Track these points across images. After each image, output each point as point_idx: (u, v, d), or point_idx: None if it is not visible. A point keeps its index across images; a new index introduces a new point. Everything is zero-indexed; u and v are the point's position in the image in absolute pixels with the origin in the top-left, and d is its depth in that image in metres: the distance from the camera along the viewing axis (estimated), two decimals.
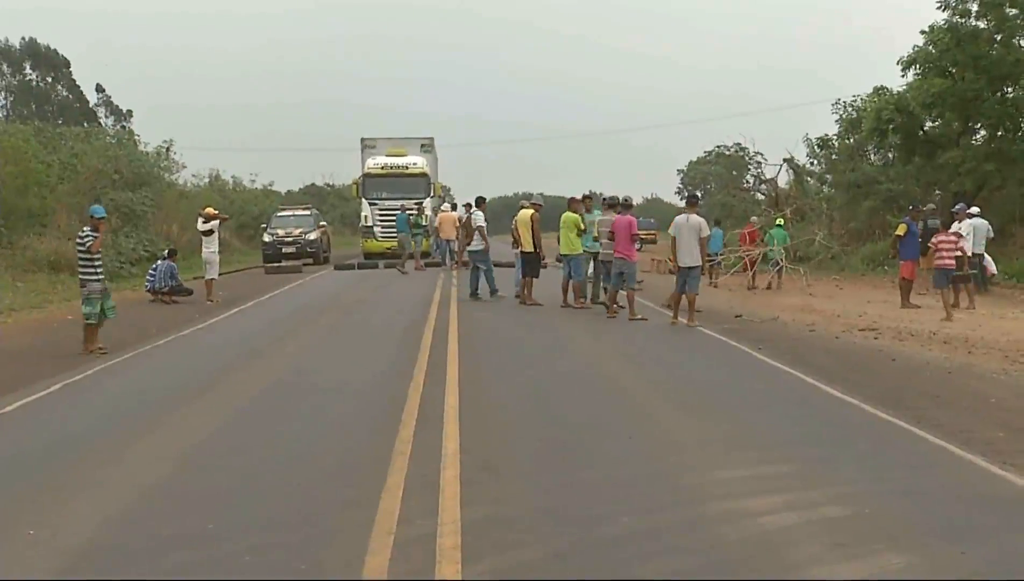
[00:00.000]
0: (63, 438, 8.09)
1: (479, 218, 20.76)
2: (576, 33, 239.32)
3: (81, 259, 12.97)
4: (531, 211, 19.08)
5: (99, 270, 13.11)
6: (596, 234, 17.82)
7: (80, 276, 13.13)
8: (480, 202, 21.66)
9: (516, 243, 19.41)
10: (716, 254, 25.88)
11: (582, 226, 17.66)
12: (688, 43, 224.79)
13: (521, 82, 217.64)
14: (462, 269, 25.87)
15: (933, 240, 18.26)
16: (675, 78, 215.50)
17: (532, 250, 18.90)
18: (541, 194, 23.85)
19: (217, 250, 21.57)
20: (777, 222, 27.89)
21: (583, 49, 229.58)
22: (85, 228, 13.02)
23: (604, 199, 18.00)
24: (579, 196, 18.91)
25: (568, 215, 18.45)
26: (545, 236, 20.08)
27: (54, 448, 7.72)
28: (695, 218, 15.75)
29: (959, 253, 18.17)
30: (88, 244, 12.86)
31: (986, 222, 21.03)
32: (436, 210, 34.47)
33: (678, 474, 6.73)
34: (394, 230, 34.59)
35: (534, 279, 19.00)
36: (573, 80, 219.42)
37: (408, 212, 32.54)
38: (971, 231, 20.11)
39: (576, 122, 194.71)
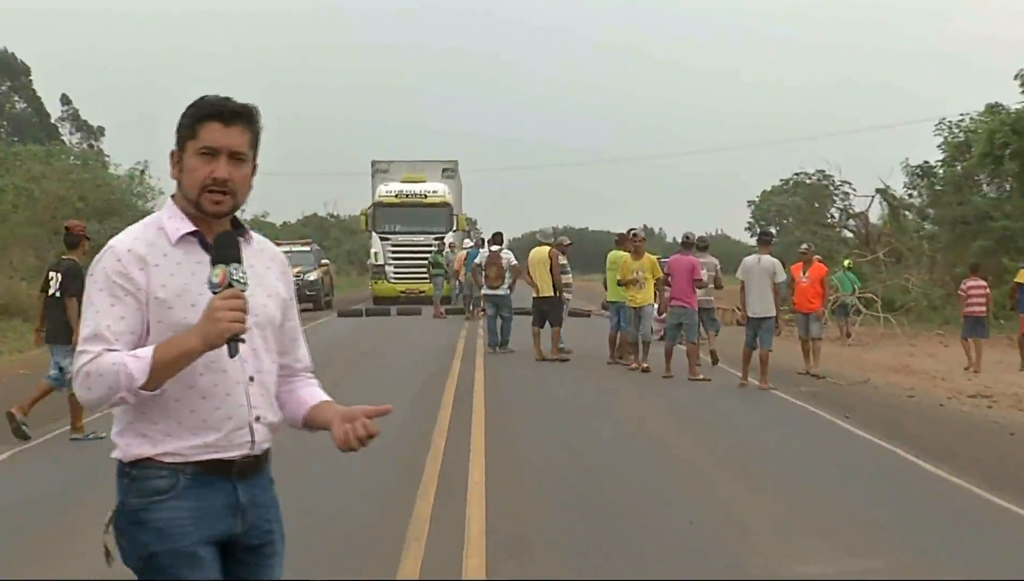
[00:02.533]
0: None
1: (511, 257, 20.93)
2: (623, 43, 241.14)
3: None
4: (547, 248, 19.16)
5: None
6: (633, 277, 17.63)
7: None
8: (499, 238, 21.86)
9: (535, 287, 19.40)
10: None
11: (634, 274, 17.30)
12: (755, 54, 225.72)
13: (558, 98, 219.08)
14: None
15: None
16: (741, 95, 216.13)
17: (552, 293, 18.92)
18: (579, 230, 24.00)
19: None
20: (845, 264, 27.90)
21: (631, 62, 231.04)
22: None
23: (686, 238, 17.70)
24: (630, 233, 18.81)
25: (615, 254, 18.50)
26: (585, 279, 20.17)
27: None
28: (768, 259, 15.78)
29: None
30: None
31: None
32: (458, 246, 34.63)
33: (745, 567, 6.72)
34: (412, 270, 34.78)
35: (559, 328, 19.01)
36: (620, 96, 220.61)
37: (429, 249, 32.75)
38: None
39: (623, 144, 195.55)
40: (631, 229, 18.86)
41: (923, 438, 11.57)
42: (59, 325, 11.37)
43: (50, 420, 12.08)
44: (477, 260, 23.29)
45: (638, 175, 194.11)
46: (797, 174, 56.12)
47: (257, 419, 3.14)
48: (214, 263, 2.98)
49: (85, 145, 63.74)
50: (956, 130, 35.20)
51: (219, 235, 3.07)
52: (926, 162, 37.71)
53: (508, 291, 20.49)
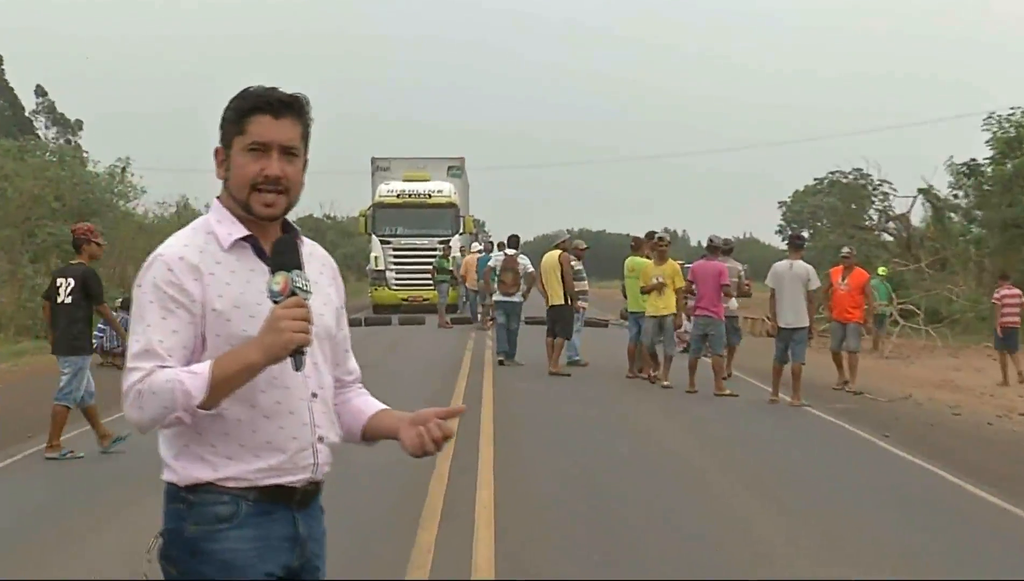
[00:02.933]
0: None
1: (527, 263, 20.86)
2: (642, 34, 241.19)
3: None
4: (558, 252, 19.15)
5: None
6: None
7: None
8: (515, 242, 21.81)
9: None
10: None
11: (656, 281, 17.24)
12: (786, 43, 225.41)
13: (573, 92, 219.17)
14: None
15: None
16: (771, 87, 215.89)
17: (562, 302, 18.92)
18: (595, 234, 24.08)
19: None
20: (879, 271, 27.94)
21: (651, 52, 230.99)
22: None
23: (711, 242, 17.68)
24: (653, 237, 18.71)
25: (634, 260, 18.49)
26: (602, 286, 20.21)
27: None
28: (800, 265, 15.77)
29: None
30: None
31: None
32: (465, 250, 34.63)
33: None
34: (415, 276, 34.77)
35: (565, 340, 19.01)
36: (640, 89, 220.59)
37: (435, 253, 32.77)
38: None
39: (643, 141, 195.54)
40: (653, 232, 18.81)
41: (970, 459, 11.53)
42: (66, 334, 11.42)
43: (19, 440, 12.09)
44: (491, 263, 23.30)
45: (659, 174, 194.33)
46: (832, 173, 55.64)
47: (320, 439, 3.12)
48: (274, 270, 2.95)
49: (62, 140, 63.89)
50: (1006, 125, 35.12)
51: (279, 240, 3.05)
52: (973, 160, 37.57)
53: (521, 299, 20.49)
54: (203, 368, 2.87)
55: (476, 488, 9.50)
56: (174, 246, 3.05)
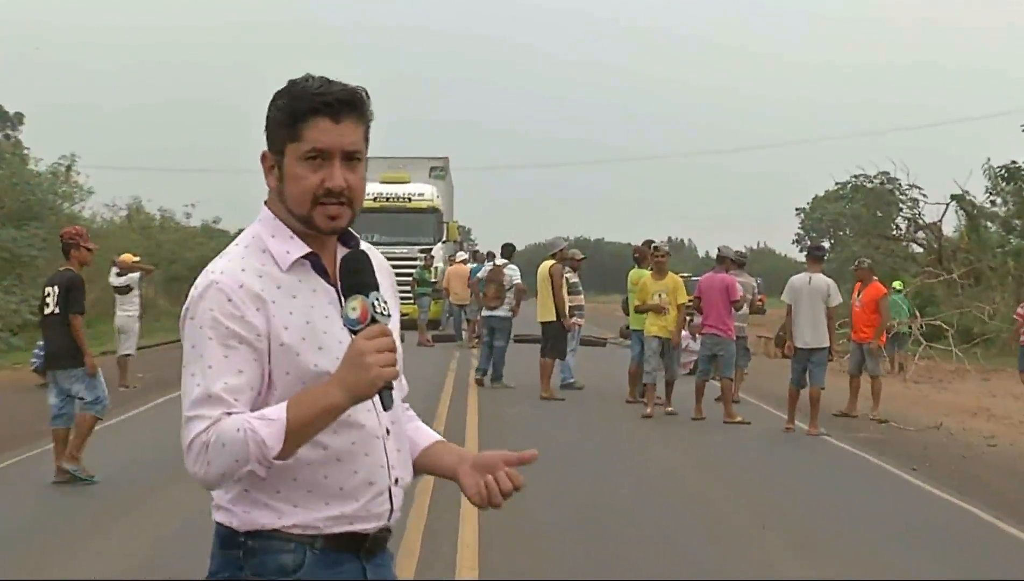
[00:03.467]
0: None
1: (515, 274, 20.71)
2: (646, 23, 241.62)
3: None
4: (550, 263, 19.14)
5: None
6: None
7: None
8: (510, 251, 21.76)
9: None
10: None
11: (656, 297, 17.04)
12: (802, 33, 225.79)
13: (571, 85, 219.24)
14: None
15: None
16: (786, 80, 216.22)
17: (552, 318, 18.89)
18: (593, 242, 24.11)
19: (138, 314, 21.72)
20: (895, 285, 28.08)
21: (655, 42, 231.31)
22: None
23: (720, 253, 17.70)
24: (649, 246, 18.67)
25: (638, 273, 18.47)
26: (600, 300, 20.19)
27: None
28: (820, 279, 15.77)
29: None
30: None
31: None
32: (449, 260, 34.61)
33: None
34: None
35: (556, 360, 18.96)
36: (644, 81, 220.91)
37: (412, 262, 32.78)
38: None
39: (647, 140, 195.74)
40: (649, 241, 18.82)
41: (1008, 495, 11.55)
42: (61, 347, 11.59)
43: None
44: (480, 275, 23.31)
45: (664, 176, 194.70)
46: (856, 176, 55.47)
47: (396, 482, 3.05)
48: (347, 293, 2.87)
49: (0, 135, 63.75)
50: None
51: (349, 256, 2.99)
52: (1013, 162, 37.64)
53: (509, 314, 20.38)
54: (277, 413, 2.78)
55: (458, 525, 9.48)
56: (231, 270, 2.92)
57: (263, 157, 3.01)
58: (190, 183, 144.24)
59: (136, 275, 21.70)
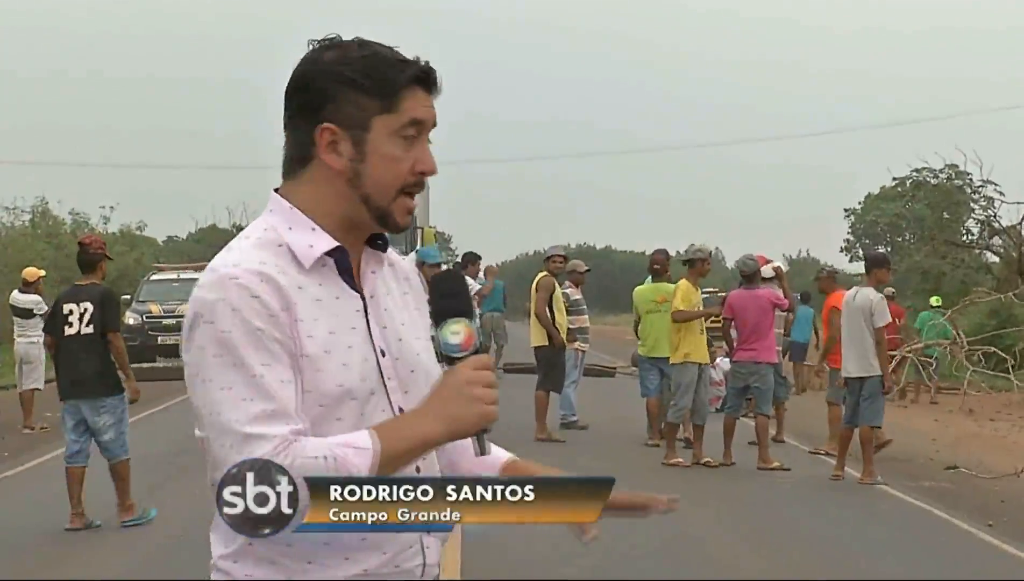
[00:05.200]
0: None
1: (474, 285, 20.75)
2: None
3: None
4: (541, 274, 19.17)
5: None
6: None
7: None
8: (471, 261, 21.84)
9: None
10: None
11: (696, 308, 16.99)
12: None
13: (574, 57, 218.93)
14: None
15: None
16: (832, 50, 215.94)
17: (544, 342, 18.84)
18: (600, 251, 24.14)
19: (42, 341, 21.52)
20: (933, 302, 28.31)
21: (670, 6, 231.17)
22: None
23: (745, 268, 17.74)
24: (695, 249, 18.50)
25: (658, 288, 18.45)
26: (608, 322, 20.17)
27: None
28: (863, 295, 15.58)
29: None
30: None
31: None
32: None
33: None
34: None
35: (550, 393, 18.88)
36: (660, 54, 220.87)
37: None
38: None
39: (666, 127, 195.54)
40: (662, 250, 18.82)
41: None
42: (92, 372, 12.03)
43: None
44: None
45: (685, 171, 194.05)
46: (917, 171, 55.65)
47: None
48: (442, 315, 2.89)
49: None
50: None
51: (446, 275, 3.01)
52: None
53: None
54: (366, 441, 2.76)
55: None
56: (246, 262, 2.88)
57: (326, 131, 2.93)
58: (110, 180, 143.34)
59: (38, 298, 21.59)
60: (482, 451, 2.86)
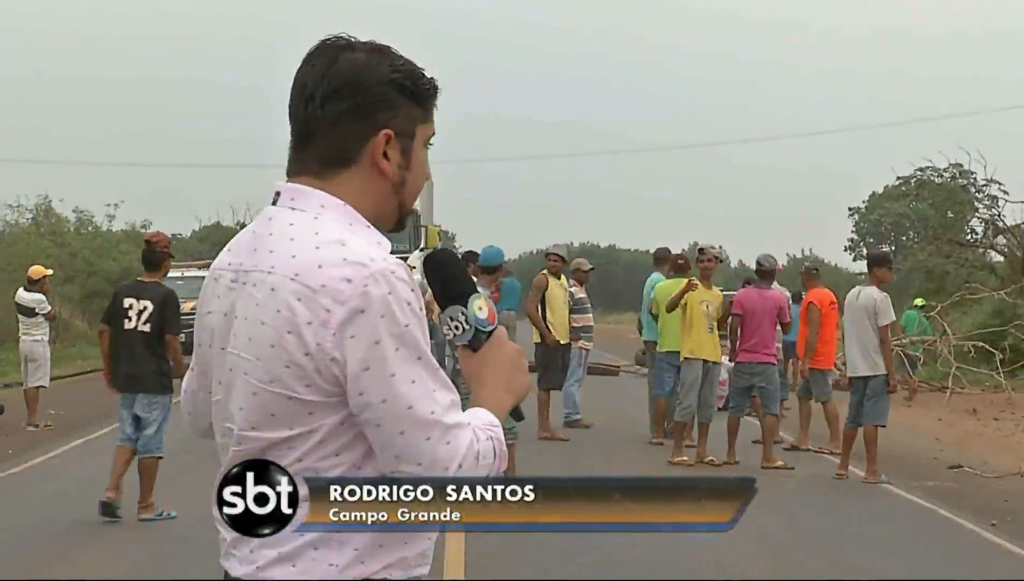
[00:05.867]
0: None
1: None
2: None
3: None
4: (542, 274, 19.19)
5: None
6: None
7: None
8: (472, 260, 21.87)
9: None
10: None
11: (704, 309, 16.89)
12: None
13: (576, 56, 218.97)
14: None
15: None
16: (837, 50, 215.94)
17: (540, 339, 18.83)
18: (604, 250, 24.11)
19: (47, 339, 21.55)
20: (916, 303, 28.48)
21: (675, 4, 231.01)
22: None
23: (761, 266, 17.74)
24: (699, 248, 18.41)
25: (670, 283, 18.41)
26: (611, 320, 20.14)
27: None
28: (867, 294, 15.55)
29: None
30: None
31: None
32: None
33: None
34: None
35: (551, 391, 18.83)
36: (664, 53, 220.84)
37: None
38: None
39: (667, 127, 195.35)
40: (664, 248, 18.81)
41: None
42: (147, 369, 12.36)
43: None
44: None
45: (687, 170, 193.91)
46: (921, 169, 55.50)
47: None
48: (453, 296, 3.06)
49: None
50: None
51: (443, 255, 3.18)
52: None
53: (449, 333, 20.22)
54: (490, 418, 2.94)
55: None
56: (389, 256, 2.95)
57: (386, 139, 3.00)
58: (113, 178, 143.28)
59: (43, 300, 21.54)
60: (518, 418, 3.07)
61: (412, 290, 2.87)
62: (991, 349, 28.78)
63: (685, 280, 17.36)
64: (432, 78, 3.05)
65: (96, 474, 15.67)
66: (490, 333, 2.94)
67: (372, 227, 3.00)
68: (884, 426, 15.53)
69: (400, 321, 2.84)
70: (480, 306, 2.92)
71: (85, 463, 16.97)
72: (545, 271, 19.13)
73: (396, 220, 3.08)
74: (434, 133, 3.06)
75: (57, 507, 13.53)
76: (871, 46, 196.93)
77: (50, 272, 22.57)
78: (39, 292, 21.32)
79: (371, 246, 2.92)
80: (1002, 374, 27.68)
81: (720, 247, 20.88)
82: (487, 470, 2.82)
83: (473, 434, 2.83)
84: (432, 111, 3.06)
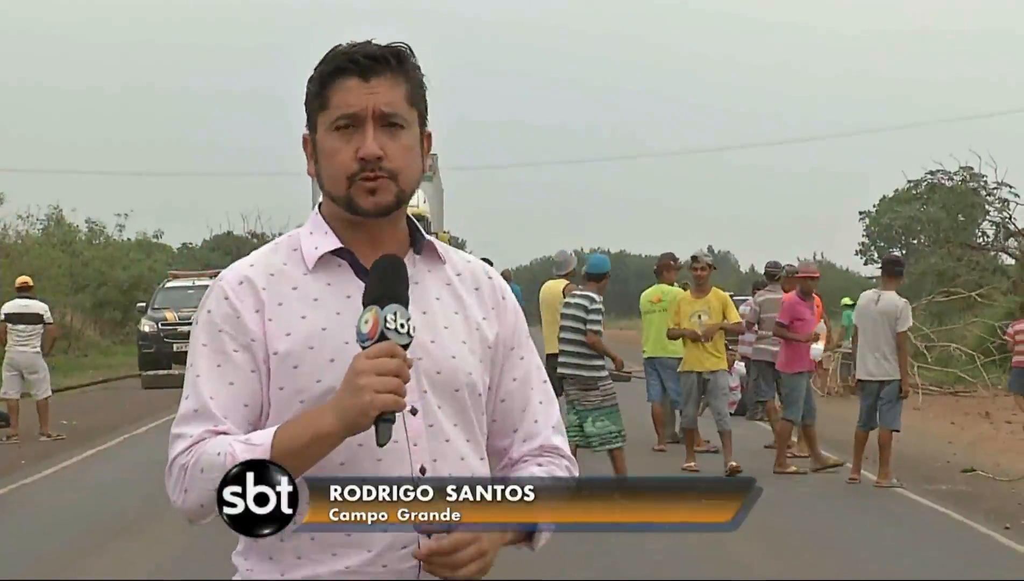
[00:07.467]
0: None
1: None
2: None
3: None
4: (563, 283, 19.05)
5: None
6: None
7: None
8: None
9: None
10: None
11: (695, 319, 16.63)
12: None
13: (585, 61, 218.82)
14: None
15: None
16: (846, 50, 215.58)
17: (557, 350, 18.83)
18: (615, 255, 24.11)
19: (40, 349, 21.23)
20: (844, 302, 28.90)
21: (683, 9, 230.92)
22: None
23: (771, 270, 17.75)
24: (692, 256, 18.41)
25: (659, 289, 18.40)
26: (622, 326, 20.15)
27: None
28: (888, 299, 15.57)
29: None
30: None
31: None
32: None
33: None
34: None
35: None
36: (674, 57, 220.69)
37: None
38: None
39: (679, 132, 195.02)
40: (669, 254, 18.76)
41: None
42: None
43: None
44: None
45: (698, 175, 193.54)
46: (932, 173, 55.27)
47: (428, 533, 2.81)
48: (366, 302, 2.78)
49: None
50: None
51: (379, 261, 2.88)
52: None
53: None
54: (263, 437, 2.76)
55: None
56: (238, 268, 2.98)
57: (304, 141, 3.05)
58: (125, 188, 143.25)
59: (42, 306, 21.47)
60: (379, 442, 2.72)
61: (225, 298, 2.90)
62: (965, 350, 28.96)
63: (663, 286, 18.20)
64: (333, 59, 2.94)
65: (109, 483, 15.79)
66: (367, 346, 2.70)
67: (329, 232, 2.99)
68: (899, 430, 15.53)
69: (194, 327, 2.96)
70: (366, 319, 2.71)
71: (98, 473, 17.02)
72: (567, 284, 19.01)
73: (346, 208, 2.94)
74: (343, 115, 2.90)
75: (72, 516, 13.57)
76: (880, 49, 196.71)
77: (31, 283, 22.30)
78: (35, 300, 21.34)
79: (254, 255, 3.03)
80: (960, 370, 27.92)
81: (730, 252, 20.83)
82: (212, 483, 2.67)
83: (187, 446, 2.78)
84: (327, 94, 2.92)
